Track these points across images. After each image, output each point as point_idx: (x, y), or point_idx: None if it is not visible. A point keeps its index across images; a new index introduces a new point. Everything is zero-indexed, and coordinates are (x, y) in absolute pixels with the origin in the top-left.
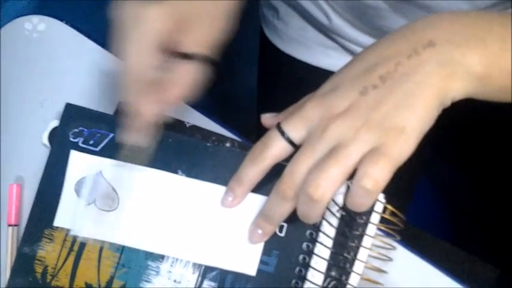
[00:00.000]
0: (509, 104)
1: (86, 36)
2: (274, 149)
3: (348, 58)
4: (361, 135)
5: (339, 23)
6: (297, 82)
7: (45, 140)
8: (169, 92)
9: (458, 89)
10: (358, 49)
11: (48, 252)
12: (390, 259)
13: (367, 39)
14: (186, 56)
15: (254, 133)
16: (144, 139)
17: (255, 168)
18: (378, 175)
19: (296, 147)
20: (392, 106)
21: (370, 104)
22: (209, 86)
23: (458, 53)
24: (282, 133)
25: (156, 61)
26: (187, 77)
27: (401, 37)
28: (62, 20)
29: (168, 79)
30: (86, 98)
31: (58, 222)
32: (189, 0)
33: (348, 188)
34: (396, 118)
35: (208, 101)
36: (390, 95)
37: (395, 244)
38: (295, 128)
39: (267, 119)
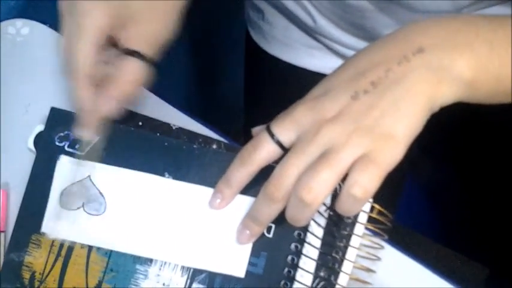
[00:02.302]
0: (496, 105)
1: None
2: (263, 151)
3: (333, 59)
4: (353, 139)
5: (324, 24)
6: (282, 83)
7: (31, 145)
8: (110, 87)
9: (447, 94)
10: (343, 49)
11: (36, 258)
12: (378, 258)
13: (351, 40)
14: (127, 53)
15: (241, 135)
16: (92, 134)
17: (243, 170)
18: (368, 183)
19: (285, 150)
20: (382, 112)
21: (361, 109)
22: (197, 87)
23: (447, 58)
24: (272, 136)
25: (96, 56)
26: (128, 74)
27: (392, 43)
28: (45, 24)
29: (113, 75)
30: (70, 101)
31: (45, 228)
32: None
33: (336, 188)
34: (387, 124)
35: (195, 103)
36: (381, 101)
37: (384, 243)
38: (285, 131)
39: (257, 131)
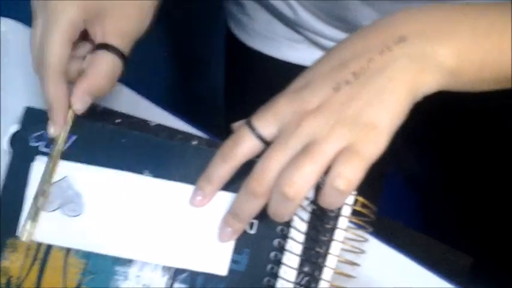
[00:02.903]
0: (479, 93)
1: None
2: (244, 146)
3: (315, 51)
4: (335, 131)
5: (305, 17)
6: (264, 77)
7: (6, 146)
8: (81, 81)
9: (430, 83)
10: (326, 42)
11: (12, 262)
12: (363, 251)
13: (334, 32)
14: (98, 47)
15: (223, 130)
16: (61, 131)
17: (224, 166)
18: (351, 175)
19: (267, 144)
20: (365, 102)
21: (343, 100)
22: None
23: (429, 47)
24: (253, 129)
25: (69, 51)
26: (100, 68)
27: (373, 33)
28: (19, 21)
29: (81, 68)
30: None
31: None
32: None
33: (319, 182)
34: (369, 115)
35: (175, 98)
36: (363, 91)
37: (368, 236)
38: (266, 125)
39: (238, 126)
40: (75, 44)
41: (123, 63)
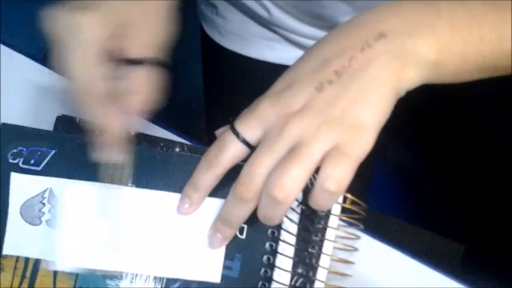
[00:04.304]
0: (463, 83)
1: (17, 51)
2: (229, 152)
3: (292, 50)
4: (321, 132)
5: (279, 15)
6: (242, 78)
7: None
8: (128, 100)
9: (412, 78)
10: (302, 40)
11: (0, 282)
12: (356, 249)
13: (309, 30)
14: (134, 62)
15: (204, 135)
16: (118, 155)
17: (210, 173)
18: (341, 176)
19: (252, 148)
20: (349, 101)
21: (327, 100)
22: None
23: (409, 42)
24: (237, 135)
25: (102, 71)
26: (142, 83)
27: (353, 30)
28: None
29: (124, 88)
30: (21, 115)
31: (7, 250)
32: (123, 4)
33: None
34: (354, 113)
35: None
36: (346, 90)
37: (359, 233)
38: (250, 129)
39: (221, 132)
40: (105, 63)
41: (163, 71)
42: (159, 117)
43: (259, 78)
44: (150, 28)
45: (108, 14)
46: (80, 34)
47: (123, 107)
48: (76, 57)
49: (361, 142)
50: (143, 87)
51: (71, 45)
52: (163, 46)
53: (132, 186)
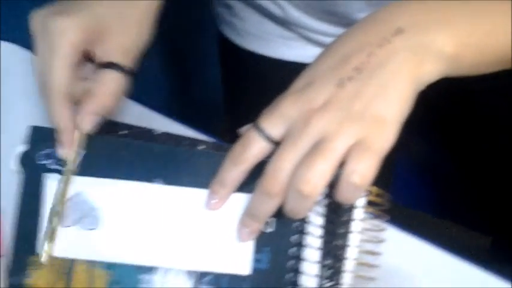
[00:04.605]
0: (481, 75)
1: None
2: (254, 148)
3: (308, 47)
4: (344, 128)
5: (295, 14)
6: (260, 77)
7: (15, 166)
8: (92, 102)
9: (431, 72)
10: (318, 37)
11: (37, 279)
12: (382, 240)
13: (325, 27)
14: (104, 65)
15: (226, 133)
16: (74, 152)
17: (236, 169)
18: (365, 170)
19: (276, 145)
20: (370, 97)
21: (348, 96)
22: (175, 90)
23: (427, 36)
24: (261, 131)
25: (72, 73)
26: (106, 87)
27: (371, 26)
28: (13, 42)
29: (91, 89)
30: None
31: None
32: (104, 9)
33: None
34: (376, 109)
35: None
36: (367, 86)
37: (385, 225)
38: (274, 126)
39: (244, 130)
40: (78, 65)
41: (129, 79)
42: (181, 116)
43: (278, 77)
44: (124, 33)
45: (86, 18)
46: (58, 37)
47: (84, 107)
48: (51, 59)
49: (383, 136)
50: (103, 91)
51: (48, 47)
52: (135, 55)
53: (160, 183)
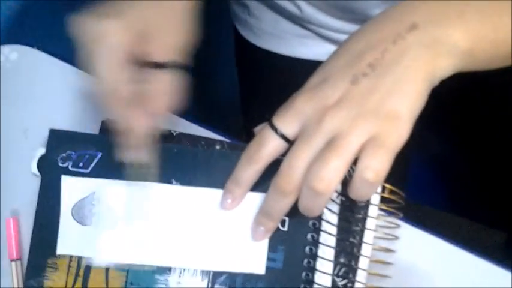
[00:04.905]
0: (495, 70)
1: (58, 58)
2: (268, 147)
3: (324, 45)
4: (358, 124)
5: (310, 11)
6: (276, 75)
7: (35, 169)
8: (152, 102)
9: (445, 67)
10: (334, 35)
11: (55, 281)
12: (396, 237)
13: (341, 24)
14: (157, 65)
15: (242, 132)
16: (143, 154)
17: (251, 168)
18: (379, 167)
19: (290, 142)
20: (384, 93)
21: (362, 92)
22: (191, 91)
23: (441, 32)
24: (275, 130)
25: (127, 75)
26: (165, 86)
27: (384, 22)
28: (32, 46)
29: (148, 90)
30: (68, 120)
31: (60, 250)
32: (146, 10)
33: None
34: (389, 105)
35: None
36: (381, 83)
37: (399, 222)
38: (288, 124)
39: (259, 129)
40: (129, 68)
41: (185, 76)
42: (198, 117)
43: (294, 75)
44: (171, 32)
45: (131, 20)
46: (106, 40)
47: (148, 109)
48: (102, 62)
49: (397, 132)
50: (164, 91)
51: (97, 50)
52: (185, 49)
53: (176, 184)
